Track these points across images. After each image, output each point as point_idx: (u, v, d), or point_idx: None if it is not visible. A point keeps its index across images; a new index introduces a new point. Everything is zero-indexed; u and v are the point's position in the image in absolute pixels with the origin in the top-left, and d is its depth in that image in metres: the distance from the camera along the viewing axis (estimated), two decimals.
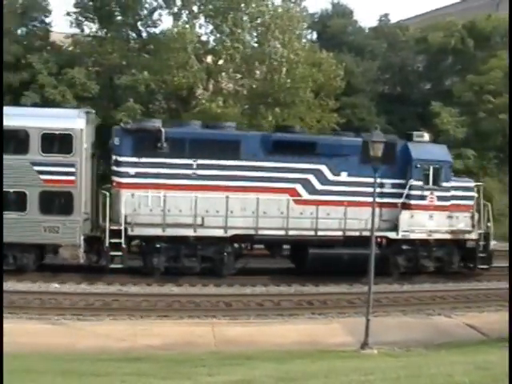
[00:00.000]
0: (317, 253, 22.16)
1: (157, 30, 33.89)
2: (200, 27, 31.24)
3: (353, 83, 35.39)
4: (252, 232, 21.94)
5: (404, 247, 23.08)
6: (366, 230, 22.22)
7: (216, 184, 21.64)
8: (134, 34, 34.38)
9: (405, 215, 22.77)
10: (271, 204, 21.96)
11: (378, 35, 40.71)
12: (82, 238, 20.86)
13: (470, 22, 37.88)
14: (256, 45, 30.88)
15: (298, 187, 22.41)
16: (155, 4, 33.36)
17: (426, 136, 23.69)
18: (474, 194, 23.96)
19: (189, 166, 21.60)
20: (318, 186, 22.56)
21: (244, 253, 22.70)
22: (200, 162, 21.63)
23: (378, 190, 22.48)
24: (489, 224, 23.93)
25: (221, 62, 30.61)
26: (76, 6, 33.28)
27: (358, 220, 22.41)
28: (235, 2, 29.62)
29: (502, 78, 33.48)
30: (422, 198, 22.87)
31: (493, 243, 23.86)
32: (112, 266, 20.94)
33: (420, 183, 22.88)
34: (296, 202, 22.33)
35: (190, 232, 21.50)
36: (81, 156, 20.90)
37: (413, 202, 22.81)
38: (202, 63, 30.24)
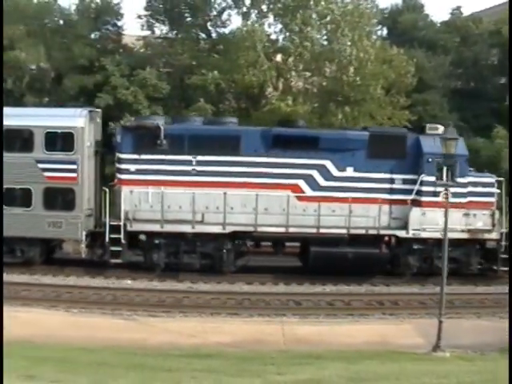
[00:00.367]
0: (319, 251, 21.61)
1: (226, 30, 34.29)
2: (269, 26, 31.27)
3: (424, 79, 34.59)
4: (251, 229, 21.67)
5: (416, 247, 22.03)
6: (373, 228, 21.79)
7: (216, 180, 21.59)
8: (203, 35, 34.80)
9: (415, 213, 21.71)
10: (273, 200, 21.65)
11: (450, 29, 39.61)
12: (84, 233, 21.43)
13: None
14: (325, 42, 30.66)
15: (301, 183, 21.94)
16: (224, 4, 33.65)
17: (440, 128, 21.98)
18: (495, 190, 22.42)
19: (188, 163, 21.69)
20: (322, 182, 22.00)
21: (245, 250, 22.27)
22: (199, 158, 21.68)
23: (388, 185, 22.02)
24: None
25: (290, 60, 30.56)
26: (147, 8, 34.22)
27: (365, 217, 21.85)
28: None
29: None
30: (435, 194, 21.21)
31: None
32: (113, 260, 21.31)
33: (432, 179, 21.62)
34: (299, 198, 21.89)
35: (188, 228, 21.52)
36: (82, 154, 21.51)
37: (424, 198, 21.64)
38: (271, 62, 30.26)
